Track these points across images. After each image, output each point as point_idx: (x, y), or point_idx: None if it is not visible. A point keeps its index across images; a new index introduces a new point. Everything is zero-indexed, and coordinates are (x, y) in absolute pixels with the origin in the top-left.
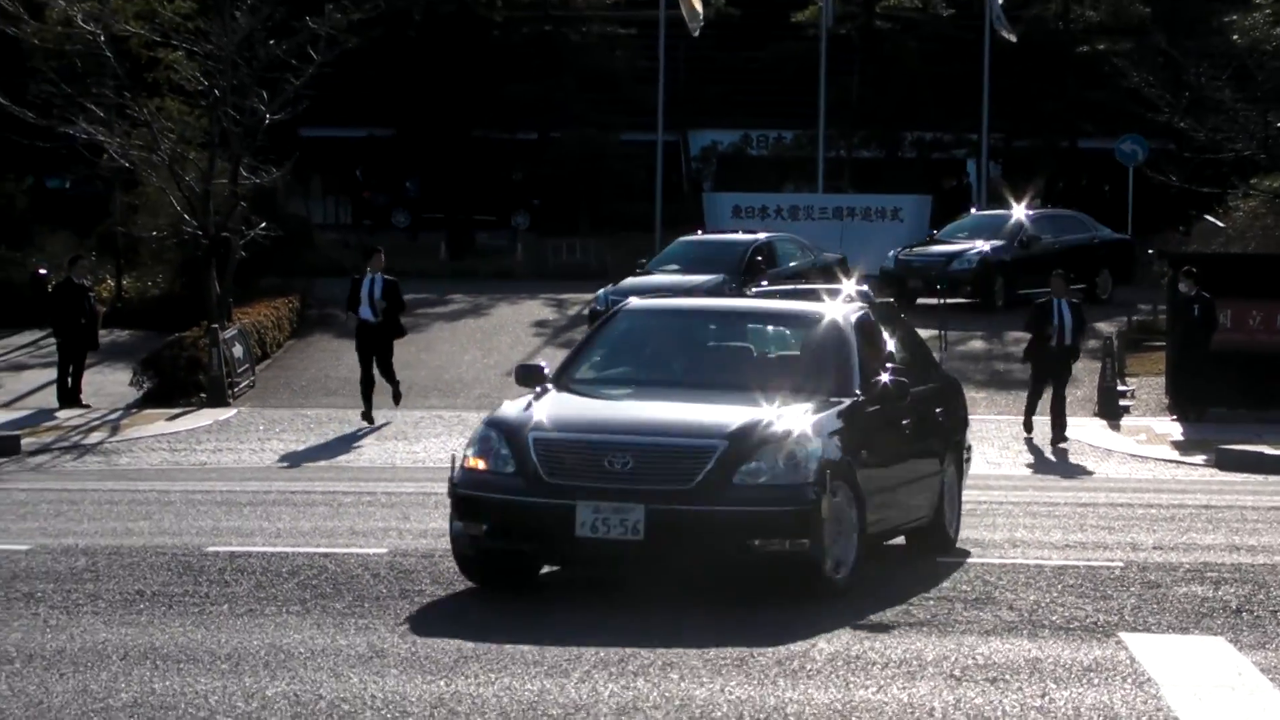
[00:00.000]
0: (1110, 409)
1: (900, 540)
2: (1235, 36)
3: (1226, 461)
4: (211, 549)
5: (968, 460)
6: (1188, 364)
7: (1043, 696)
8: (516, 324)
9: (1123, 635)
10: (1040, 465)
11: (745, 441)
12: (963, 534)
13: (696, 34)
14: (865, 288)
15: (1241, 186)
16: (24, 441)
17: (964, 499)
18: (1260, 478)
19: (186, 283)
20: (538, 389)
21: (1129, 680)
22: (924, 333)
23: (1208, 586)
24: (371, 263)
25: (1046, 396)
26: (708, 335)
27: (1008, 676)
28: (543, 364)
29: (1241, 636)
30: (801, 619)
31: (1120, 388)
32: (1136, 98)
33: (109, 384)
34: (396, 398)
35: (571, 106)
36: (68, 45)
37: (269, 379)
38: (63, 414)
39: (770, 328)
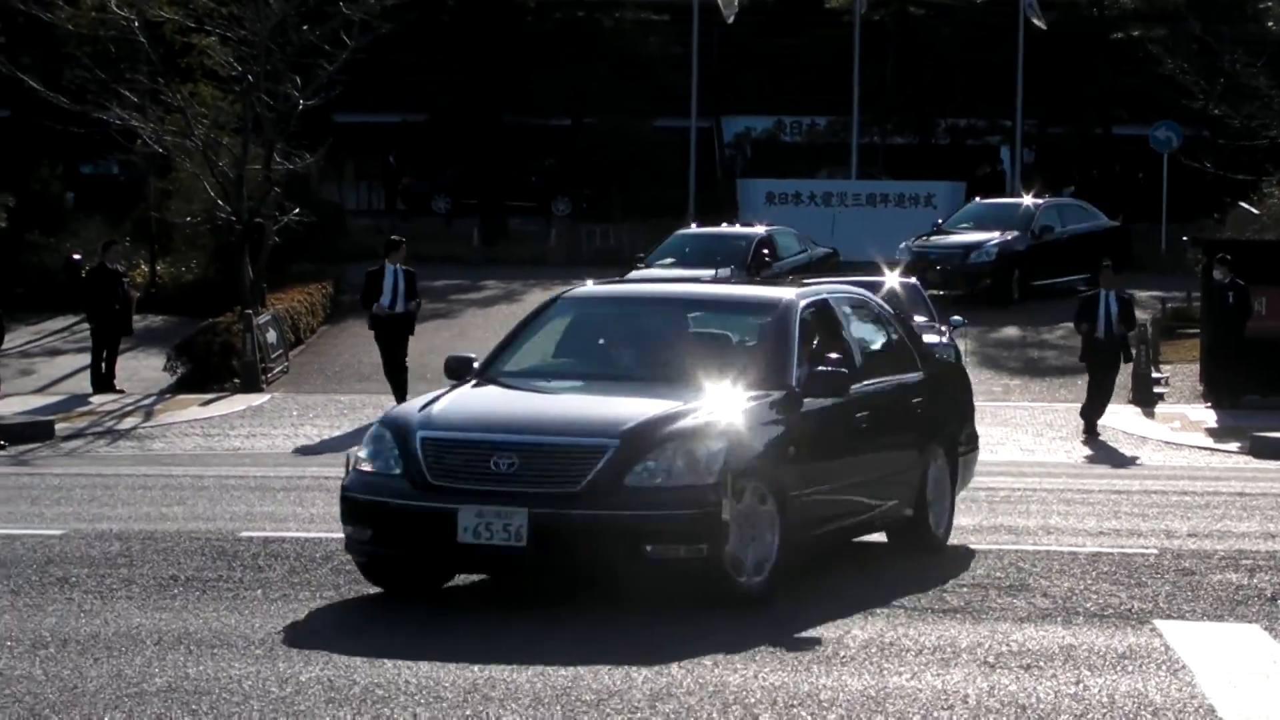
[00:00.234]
0: (1144, 396)
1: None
2: (1270, 23)
3: (1261, 449)
4: (245, 534)
5: (968, 453)
6: (1222, 351)
7: (1077, 684)
8: None
9: (1157, 623)
10: (1074, 452)
11: (642, 440)
12: (996, 520)
13: (730, 20)
14: (914, 280)
15: (1277, 174)
16: (58, 427)
17: (997, 485)
18: None
19: (220, 268)
20: (459, 382)
21: (1163, 668)
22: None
23: (1242, 574)
24: (393, 254)
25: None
26: (647, 324)
27: (1042, 664)
28: (473, 355)
29: (1276, 624)
30: (836, 605)
31: (1154, 375)
32: (1171, 84)
33: (143, 369)
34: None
35: (605, 93)
36: (102, 31)
37: (302, 365)
38: (96, 399)
39: (715, 316)
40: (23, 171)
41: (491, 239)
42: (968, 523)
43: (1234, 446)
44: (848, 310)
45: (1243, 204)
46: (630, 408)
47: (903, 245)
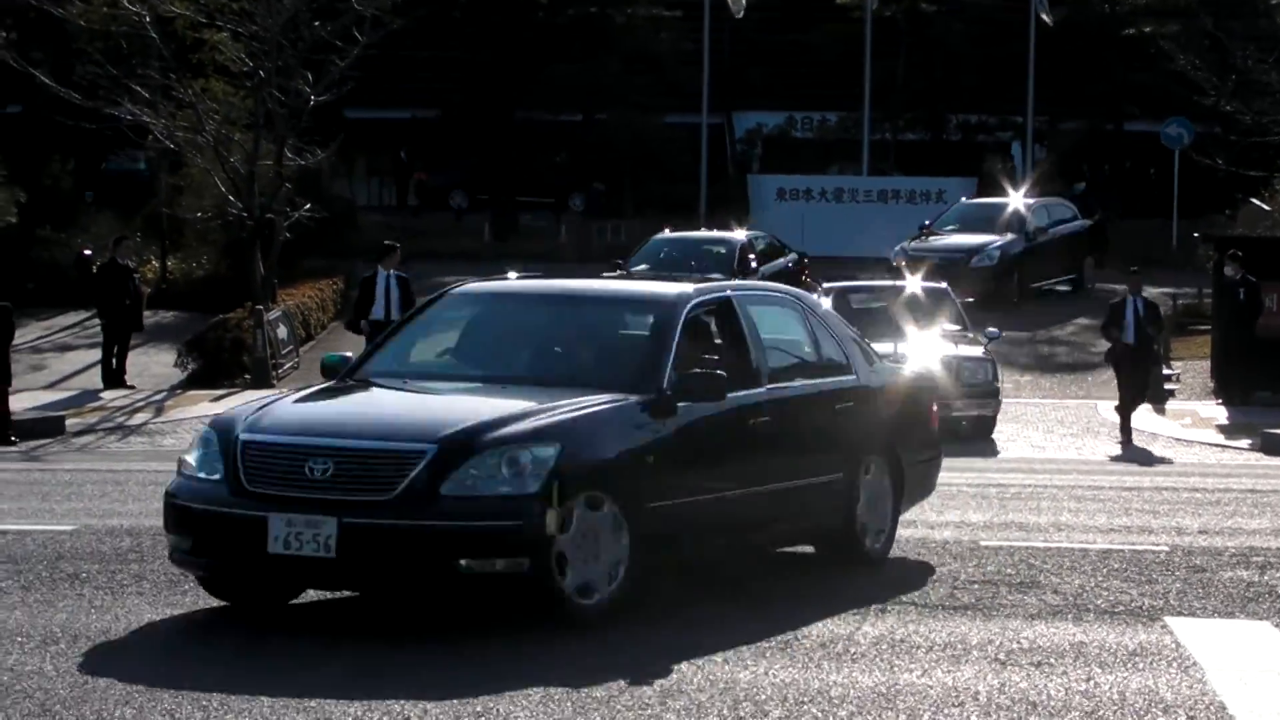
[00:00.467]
0: (1155, 393)
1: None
2: None
3: (1272, 445)
4: None
5: (924, 464)
6: (1233, 348)
7: (1088, 681)
8: None
9: (1168, 620)
10: (1084, 448)
11: (463, 445)
12: (1006, 517)
13: (740, 16)
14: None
15: None
16: (69, 422)
17: (1008, 482)
18: None
19: (231, 264)
20: (329, 381)
21: (1174, 665)
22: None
23: (1253, 571)
24: (387, 260)
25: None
26: (531, 322)
27: (1052, 660)
28: (349, 354)
29: None
30: (845, 603)
31: (1165, 371)
32: (1182, 80)
33: (153, 365)
34: None
35: (616, 88)
36: (113, 26)
37: (313, 360)
38: (107, 395)
39: (604, 313)
40: (34, 167)
41: (503, 234)
42: (978, 519)
43: (1245, 443)
44: (757, 310)
45: (1254, 200)
46: (464, 410)
47: (898, 247)
